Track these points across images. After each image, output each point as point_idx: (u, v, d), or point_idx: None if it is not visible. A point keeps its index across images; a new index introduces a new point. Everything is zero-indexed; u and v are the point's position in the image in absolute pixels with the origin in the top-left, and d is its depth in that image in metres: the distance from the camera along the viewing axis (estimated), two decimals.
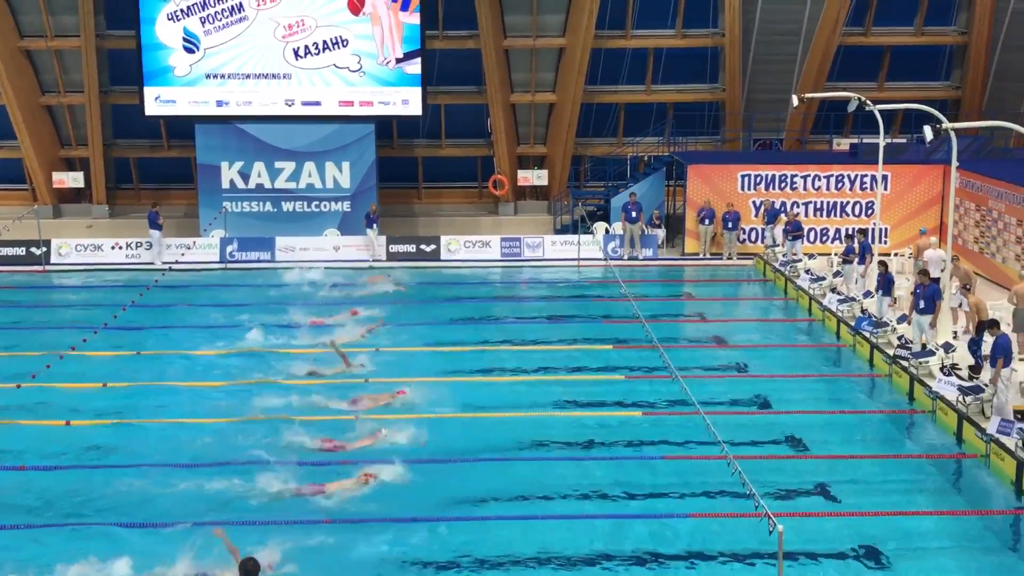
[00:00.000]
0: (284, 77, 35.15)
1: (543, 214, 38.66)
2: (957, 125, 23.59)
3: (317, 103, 35.33)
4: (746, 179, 34.45)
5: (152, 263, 33.96)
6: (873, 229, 29.85)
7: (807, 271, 30.07)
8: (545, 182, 38.60)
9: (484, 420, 20.31)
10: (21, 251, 34.20)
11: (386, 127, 37.75)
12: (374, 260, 34.43)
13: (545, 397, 21.62)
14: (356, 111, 35.36)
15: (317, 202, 35.74)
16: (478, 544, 15.31)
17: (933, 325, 22.87)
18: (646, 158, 38.48)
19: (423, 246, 34.84)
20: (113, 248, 34.59)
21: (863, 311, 25.79)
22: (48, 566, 14.56)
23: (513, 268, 33.96)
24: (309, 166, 35.58)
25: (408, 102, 35.42)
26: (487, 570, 14.72)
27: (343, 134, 35.52)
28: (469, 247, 34.82)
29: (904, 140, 36.54)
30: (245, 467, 17.60)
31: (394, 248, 34.73)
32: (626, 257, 34.23)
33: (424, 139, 39.09)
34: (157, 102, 35.15)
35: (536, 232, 36.40)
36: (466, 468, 17.95)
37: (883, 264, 25.89)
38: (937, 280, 25.15)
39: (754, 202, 34.37)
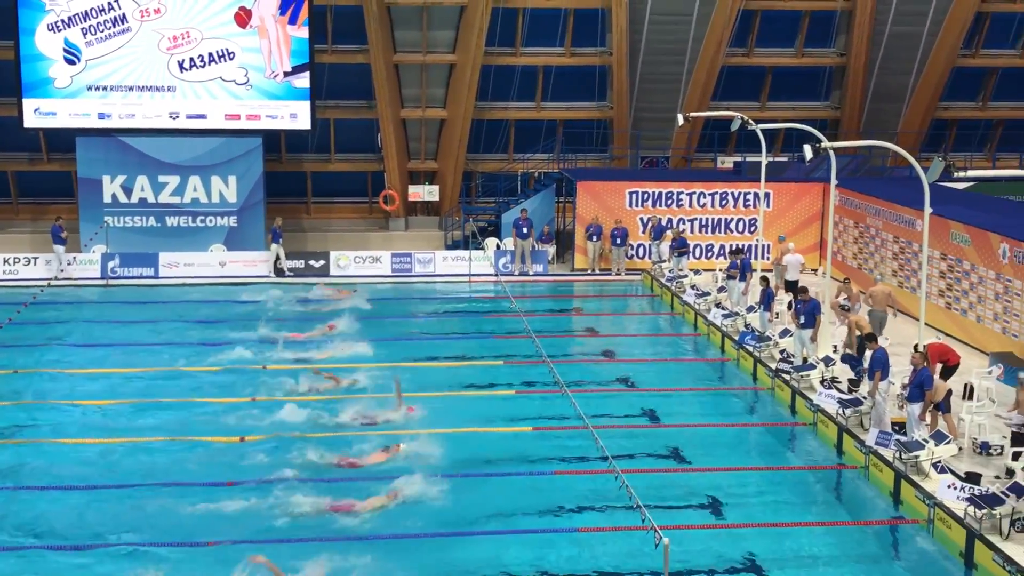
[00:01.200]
0: (169, 90, 34.53)
1: (434, 230, 38.66)
2: (836, 144, 24.27)
3: (203, 116, 34.79)
4: (634, 196, 34.93)
5: (53, 278, 32.89)
6: (756, 245, 30.51)
7: (693, 287, 30.59)
8: (436, 197, 38.62)
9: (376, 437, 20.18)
10: None
11: (274, 141, 37.35)
12: (275, 274, 34.02)
13: (434, 413, 21.54)
14: (243, 124, 34.92)
15: (202, 217, 35.14)
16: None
17: (814, 339, 23.44)
18: (536, 174, 38.77)
19: (312, 262, 34.49)
20: None
21: (746, 326, 26.33)
22: None
23: (404, 284, 33.83)
24: (194, 180, 34.98)
25: (296, 116, 35.11)
26: None
27: (229, 148, 35.02)
28: (359, 263, 34.60)
29: (785, 159, 37.51)
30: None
31: (282, 264, 34.29)
32: (517, 273, 34.39)
33: (313, 153, 38.78)
34: (36, 114, 34.24)
35: (427, 248, 36.37)
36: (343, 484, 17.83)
37: (764, 279, 26.47)
38: (796, 283, 26.09)
39: (641, 218, 34.86)
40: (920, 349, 19.75)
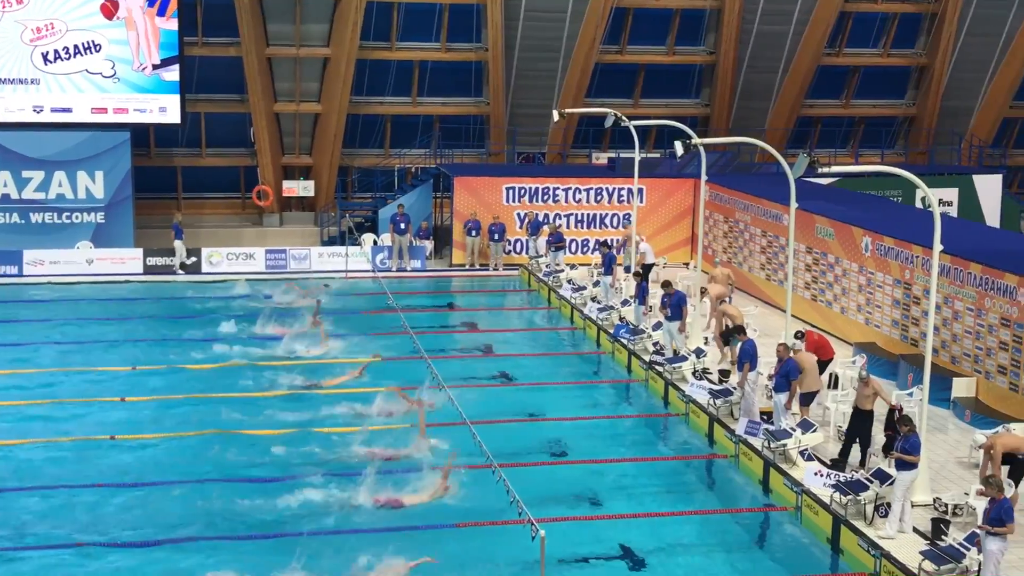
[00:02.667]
0: (32, 82, 33.45)
1: (310, 225, 38.25)
2: (706, 141, 24.82)
3: (68, 110, 33.82)
4: (511, 191, 35.13)
5: None
6: (631, 240, 30.99)
7: (569, 281, 30.93)
8: (311, 193, 38.21)
9: (264, 437, 19.96)
10: None
11: (143, 135, 36.49)
12: (179, 270, 33.36)
13: (311, 410, 21.37)
14: (110, 118, 34.05)
15: (68, 213, 34.13)
16: None
17: (682, 330, 23.92)
18: (413, 170, 38.67)
19: (175, 259, 33.71)
20: None
21: (621, 319, 26.74)
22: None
23: (278, 280, 33.36)
24: (59, 175, 33.93)
25: (166, 110, 34.38)
26: None
27: (96, 142, 34.08)
28: (232, 259, 34.03)
29: (658, 155, 38.16)
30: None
31: (152, 261, 33.52)
32: (394, 268, 34.27)
33: (184, 148, 38.00)
34: None
35: (303, 244, 35.96)
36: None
37: (638, 274, 26.91)
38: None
39: (519, 214, 35.08)
40: (797, 339, 20.32)
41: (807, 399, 19.49)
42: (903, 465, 15.41)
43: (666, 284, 24.38)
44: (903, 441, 15.55)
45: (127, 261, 33.39)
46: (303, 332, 26.18)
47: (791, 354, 19.31)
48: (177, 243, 33.53)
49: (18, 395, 22.11)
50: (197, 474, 18.08)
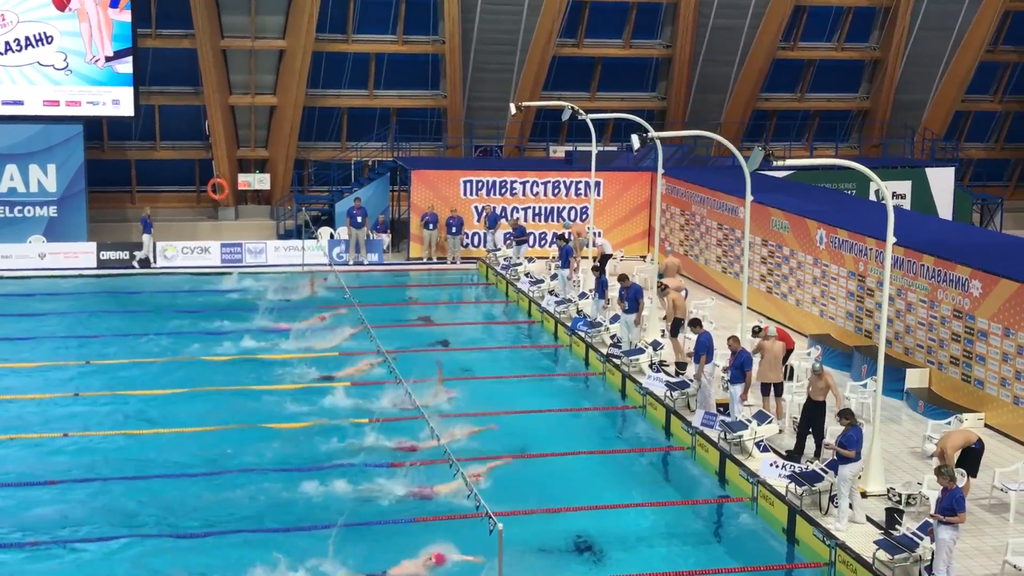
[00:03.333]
0: None
1: (266, 219, 38.00)
2: (662, 134, 24.91)
3: (19, 102, 33.36)
4: (468, 184, 35.09)
5: None
6: (589, 233, 31.08)
7: (527, 274, 30.95)
8: (267, 186, 37.95)
9: (208, 433, 19.83)
10: None
11: (96, 128, 36.07)
12: (139, 263, 33.07)
13: (270, 407, 21.26)
14: (62, 111, 33.63)
15: (20, 207, 33.68)
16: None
17: (638, 323, 24.01)
18: (370, 163, 38.51)
19: (136, 252, 33.40)
20: None
21: (579, 312, 26.79)
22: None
23: (234, 275, 33.07)
24: (11, 169, 33.49)
25: (119, 102, 34.00)
26: None
27: (48, 135, 33.66)
28: (187, 253, 33.73)
29: (615, 148, 38.25)
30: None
31: (105, 255, 33.14)
32: (351, 262, 34.12)
33: (138, 141, 37.62)
34: None
35: (258, 237, 35.71)
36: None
37: (596, 268, 26.98)
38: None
39: (476, 207, 35.06)
40: (755, 335, 20.43)
41: (779, 390, 19.65)
42: (841, 460, 15.54)
43: (622, 277, 24.46)
44: (841, 435, 15.71)
45: (80, 255, 33.00)
46: (311, 326, 26.34)
47: (762, 341, 19.50)
48: (145, 237, 33.18)
49: None
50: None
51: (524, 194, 35.31)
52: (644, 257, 33.73)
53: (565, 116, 29.73)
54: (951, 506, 13.43)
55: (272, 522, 16.22)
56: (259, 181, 37.78)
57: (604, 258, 30.06)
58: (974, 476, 16.32)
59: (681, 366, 22.43)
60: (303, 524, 16.01)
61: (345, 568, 14.40)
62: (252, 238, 35.39)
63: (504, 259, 32.89)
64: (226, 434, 19.66)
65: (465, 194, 35.05)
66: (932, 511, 14.12)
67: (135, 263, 33.14)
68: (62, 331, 26.54)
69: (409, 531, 15.86)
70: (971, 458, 16.46)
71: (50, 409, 20.99)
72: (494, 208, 34.79)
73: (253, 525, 16.07)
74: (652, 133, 23.82)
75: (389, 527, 16.08)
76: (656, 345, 23.35)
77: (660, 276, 26.27)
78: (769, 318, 25.76)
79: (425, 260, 34.63)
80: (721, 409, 19.68)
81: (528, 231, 34.25)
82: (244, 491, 17.17)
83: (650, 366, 22.49)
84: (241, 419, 20.38)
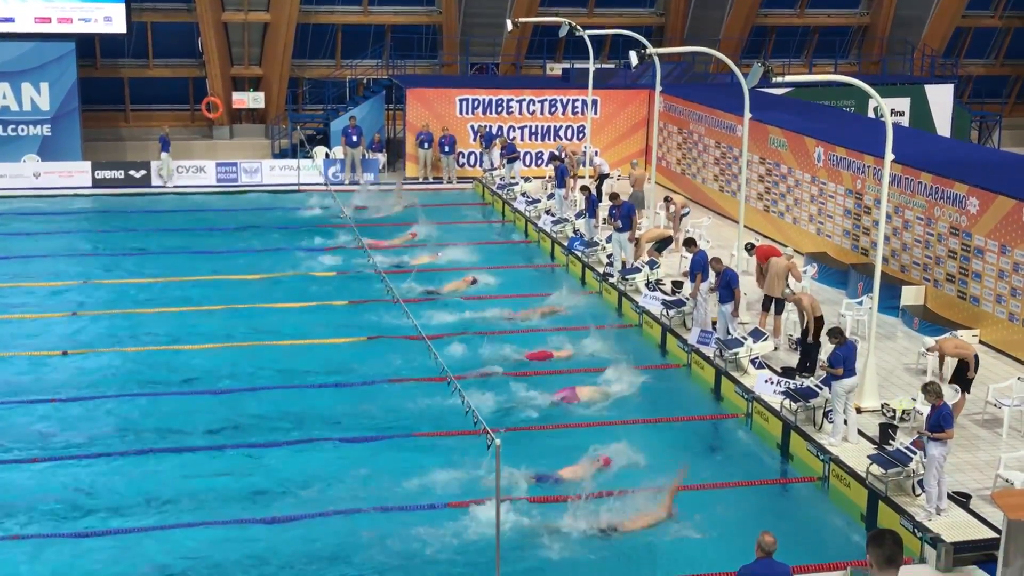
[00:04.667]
0: None
1: (260, 138, 37.77)
2: (660, 51, 24.67)
3: (11, 19, 32.95)
4: (464, 103, 34.82)
5: None
6: (585, 152, 30.94)
7: (523, 194, 30.86)
8: (261, 105, 37.66)
9: (217, 350, 19.95)
10: None
11: (88, 46, 35.67)
12: (167, 183, 33.04)
13: (267, 326, 21.36)
14: (54, 28, 33.22)
15: (14, 126, 33.44)
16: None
17: (631, 240, 24.00)
18: (365, 81, 38.16)
19: (132, 172, 33.27)
20: None
21: (575, 231, 26.78)
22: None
23: (230, 195, 33.02)
24: (3, 87, 33.19)
25: (111, 19, 33.60)
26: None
27: (40, 53, 33.31)
28: (182, 173, 33.57)
29: (613, 65, 37.89)
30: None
31: (100, 174, 32.99)
32: (347, 182, 33.97)
33: (130, 59, 37.22)
34: None
35: (253, 157, 35.53)
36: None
37: (586, 188, 26.89)
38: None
39: (472, 126, 34.84)
40: (747, 251, 20.49)
41: (779, 308, 19.74)
42: (831, 377, 15.66)
43: (613, 196, 24.36)
44: (830, 354, 15.81)
45: (75, 175, 32.85)
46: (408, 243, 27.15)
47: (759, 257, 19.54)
48: (164, 155, 32.97)
49: None
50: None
51: (520, 113, 35.05)
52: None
53: (562, 33, 29.42)
54: (938, 423, 13.57)
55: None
56: (254, 100, 37.47)
57: (601, 177, 29.97)
58: (967, 391, 16.48)
59: (677, 284, 22.49)
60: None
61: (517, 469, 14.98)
62: (247, 157, 35.20)
63: (500, 179, 32.77)
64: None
65: (461, 113, 34.79)
66: (923, 427, 14.28)
67: (167, 182, 32.87)
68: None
69: (393, 445, 16.04)
70: (963, 374, 16.61)
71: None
72: (488, 127, 34.57)
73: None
74: (650, 50, 23.60)
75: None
76: (652, 264, 23.38)
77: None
78: (766, 236, 25.76)
79: (421, 180, 34.49)
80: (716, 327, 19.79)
81: (521, 149, 34.06)
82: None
83: (646, 285, 22.54)
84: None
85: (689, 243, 21.37)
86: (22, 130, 33.48)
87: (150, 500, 14.58)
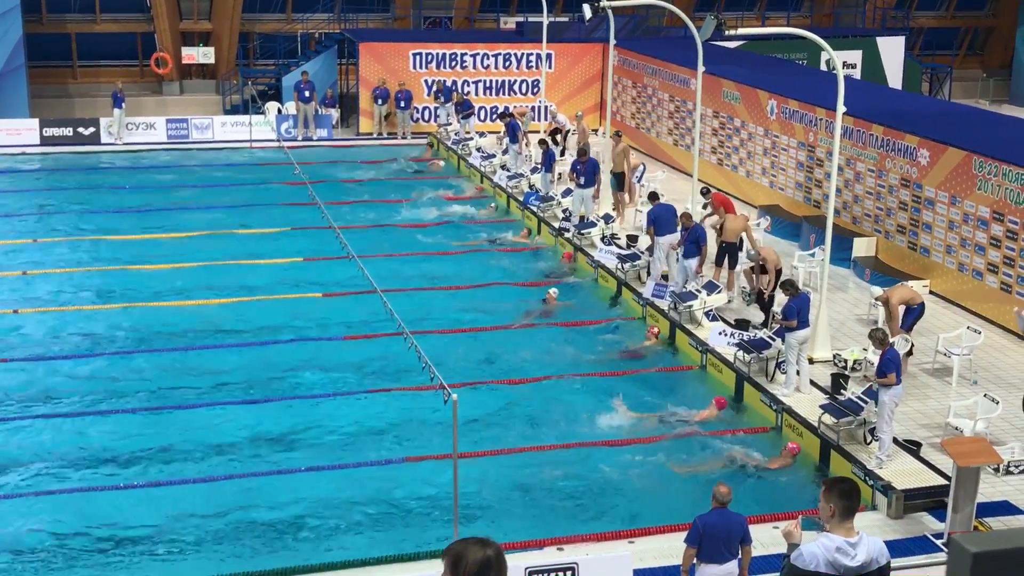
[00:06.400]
0: None
1: (211, 94, 37.28)
2: (614, 4, 24.57)
3: None
4: (418, 58, 34.54)
5: None
6: (538, 107, 30.85)
7: (478, 149, 30.74)
8: (212, 60, 37.13)
9: (165, 308, 19.80)
10: None
11: (34, 0, 34.94)
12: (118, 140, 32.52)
13: (225, 282, 21.23)
14: None
15: None
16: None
17: (596, 197, 24.05)
18: (317, 35, 37.73)
19: (81, 129, 32.75)
20: None
21: (531, 186, 26.76)
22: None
23: (181, 151, 32.61)
24: None
25: None
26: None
27: None
28: (132, 130, 33.08)
29: (566, 19, 37.71)
30: None
31: (48, 132, 32.44)
32: (300, 138, 33.66)
33: (77, 13, 36.52)
34: None
35: (204, 113, 35.08)
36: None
37: (543, 142, 26.84)
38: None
39: (426, 80, 34.58)
40: (703, 195, 20.60)
41: (732, 262, 19.85)
42: (784, 329, 15.83)
43: (582, 152, 24.31)
44: (784, 306, 15.98)
45: (23, 132, 32.27)
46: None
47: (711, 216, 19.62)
48: (116, 112, 32.44)
49: None
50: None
51: (474, 67, 34.84)
52: (596, 131, 33.56)
53: None
54: (882, 368, 13.78)
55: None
56: (203, 55, 36.92)
57: (554, 132, 29.89)
58: (908, 332, 16.74)
59: (632, 239, 22.56)
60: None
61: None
62: (198, 113, 34.75)
63: (455, 134, 32.61)
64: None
65: (415, 67, 34.52)
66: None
67: (117, 139, 32.41)
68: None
69: (352, 403, 16.08)
70: (911, 318, 16.87)
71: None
72: (444, 81, 34.33)
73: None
74: (604, 2, 23.50)
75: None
76: (608, 218, 23.43)
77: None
78: (719, 189, 25.86)
79: (375, 135, 34.25)
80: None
81: (476, 104, 33.89)
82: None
83: (602, 239, 22.60)
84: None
85: (653, 197, 21.34)
86: None
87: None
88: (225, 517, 13.17)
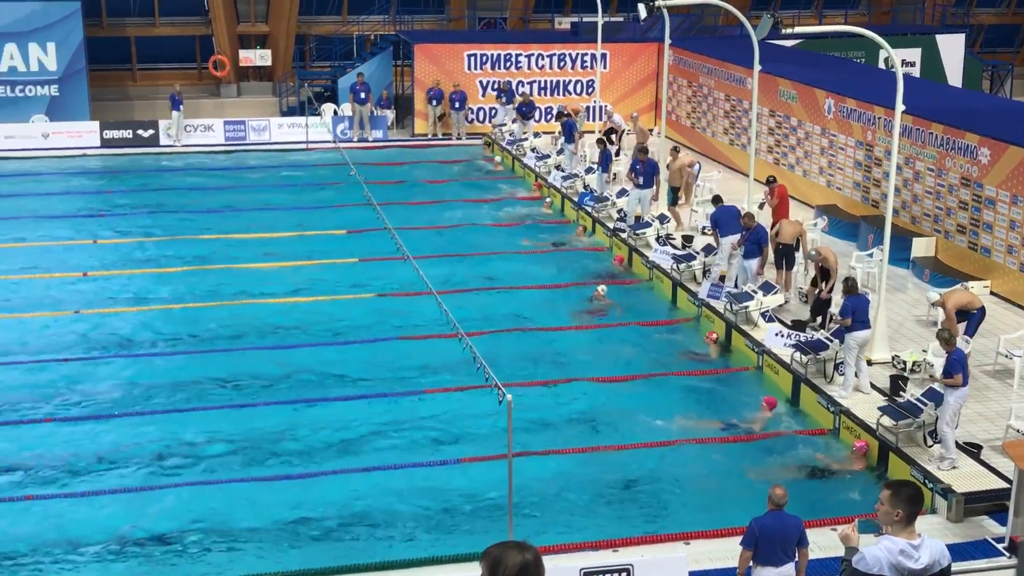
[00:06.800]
0: None
1: (268, 96, 37.64)
2: (670, 3, 24.45)
3: None
4: (472, 59, 34.63)
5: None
6: (592, 107, 30.79)
7: (533, 149, 30.75)
8: (268, 62, 37.48)
9: (225, 308, 20.03)
10: None
11: (94, 4, 35.51)
12: (176, 142, 32.97)
13: (281, 284, 21.43)
14: None
15: (21, 86, 33.37)
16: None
17: (655, 199, 23.97)
18: (372, 37, 37.95)
19: (140, 131, 33.21)
20: None
21: (585, 187, 26.71)
22: None
23: (239, 153, 32.97)
24: (10, 48, 33.09)
25: None
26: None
27: (46, 12, 33.16)
28: (190, 132, 33.51)
29: (621, 19, 37.60)
30: None
31: (109, 134, 32.95)
32: (356, 139, 33.89)
33: (137, 17, 37.04)
34: None
35: (261, 115, 35.42)
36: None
37: (601, 142, 26.79)
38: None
39: (480, 81, 34.65)
40: (770, 182, 20.53)
41: (790, 263, 19.68)
42: (842, 329, 15.66)
43: (642, 151, 24.21)
44: (840, 306, 15.80)
45: (84, 135, 32.81)
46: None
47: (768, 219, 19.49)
48: (175, 114, 32.92)
49: None
50: None
51: (529, 67, 34.86)
52: (652, 130, 33.42)
53: None
54: (948, 369, 13.60)
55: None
56: (260, 57, 37.29)
57: (609, 131, 29.81)
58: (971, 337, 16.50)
59: (687, 239, 22.45)
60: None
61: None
62: (255, 115, 35.09)
63: (510, 134, 32.64)
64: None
65: (469, 68, 34.61)
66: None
67: (175, 141, 32.84)
68: None
69: (406, 403, 16.13)
70: (973, 323, 16.63)
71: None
72: (508, 82, 34.30)
73: None
74: (659, 2, 23.40)
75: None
76: (663, 219, 23.34)
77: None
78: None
79: (430, 136, 34.38)
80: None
81: (536, 106, 33.89)
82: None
83: (657, 239, 22.52)
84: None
85: (716, 200, 21.19)
86: (30, 91, 33.41)
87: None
88: (281, 514, 13.29)
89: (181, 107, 33.03)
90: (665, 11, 24.31)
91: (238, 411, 16.03)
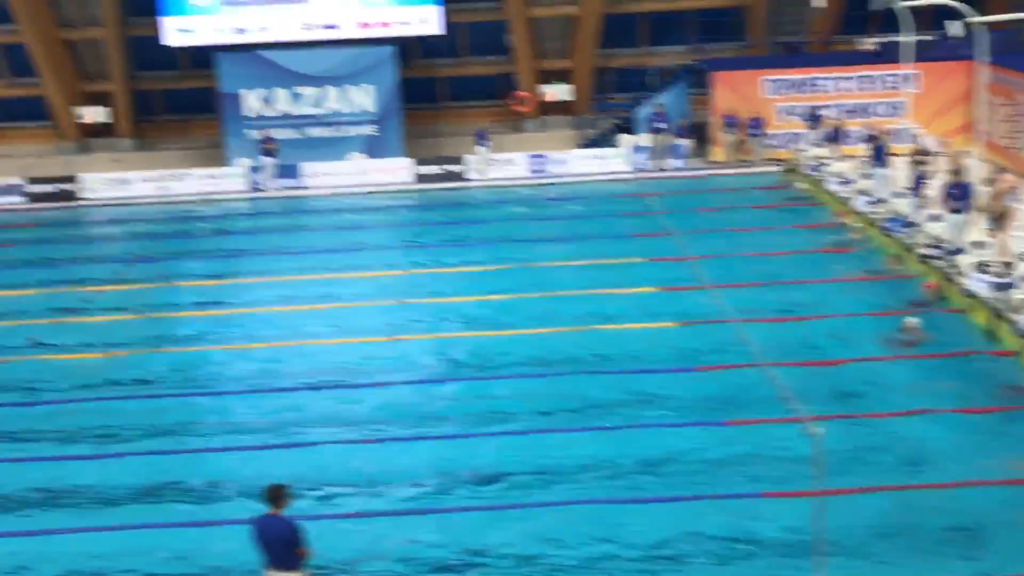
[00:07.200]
0: (300, 1, 34.94)
1: (567, 129, 38.45)
2: (984, 19, 23.23)
3: (335, 26, 35.17)
4: (770, 84, 34.09)
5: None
6: (903, 129, 29.60)
7: (837, 175, 29.87)
8: (570, 96, 38.28)
9: (524, 336, 20.59)
10: (52, 188, 34.51)
11: (408, 48, 37.53)
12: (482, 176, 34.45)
13: (578, 312, 21.78)
14: (374, 33, 35.23)
15: (342, 126, 35.71)
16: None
17: (971, 223, 22.71)
18: (671, 67, 38.08)
19: (450, 167, 34.77)
20: (144, 181, 34.81)
21: (895, 212, 25.67)
22: None
23: (540, 185, 33.85)
24: (332, 91, 35.51)
25: (426, 20, 35.19)
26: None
27: (365, 57, 35.45)
28: (494, 165, 34.72)
29: (930, 37, 35.94)
30: None
31: (422, 170, 34.69)
32: (655, 168, 34.04)
33: (442, 58, 38.82)
34: (177, 32, 35.17)
35: (561, 148, 36.24)
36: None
37: (916, 163, 25.69)
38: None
39: (779, 106, 34.04)
40: None
41: None
42: None
43: (956, 173, 23.09)
44: None
45: (399, 171, 34.69)
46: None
47: None
48: (480, 149, 34.43)
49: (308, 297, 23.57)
50: None
51: (830, 90, 33.93)
52: (966, 152, 31.71)
53: (875, 5, 28.20)
54: None
55: None
56: (562, 92, 38.17)
57: (919, 154, 28.51)
58: None
59: (1007, 266, 21.12)
60: None
61: None
62: (555, 148, 35.96)
63: (814, 159, 31.85)
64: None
65: (768, 93, 34.10)
66: None
67: (478, 175, 34.22)
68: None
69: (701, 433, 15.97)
70: None
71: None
72: (814, 107, 33.58)
73: None
74: (972, 19, 22.26)
75: None
76: (979, 245, 22.08)
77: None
78: None
79: (728, 163, 34.06)
80: None
81: (849, 131, 32.95)
82: None
83: (973, 266, 21.30)
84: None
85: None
86: (350, 130, 35.70)
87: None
88: (580, 544, 13.43)
89: (488, 143, 34.29)
90: (981, 28, 23.10)
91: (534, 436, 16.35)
